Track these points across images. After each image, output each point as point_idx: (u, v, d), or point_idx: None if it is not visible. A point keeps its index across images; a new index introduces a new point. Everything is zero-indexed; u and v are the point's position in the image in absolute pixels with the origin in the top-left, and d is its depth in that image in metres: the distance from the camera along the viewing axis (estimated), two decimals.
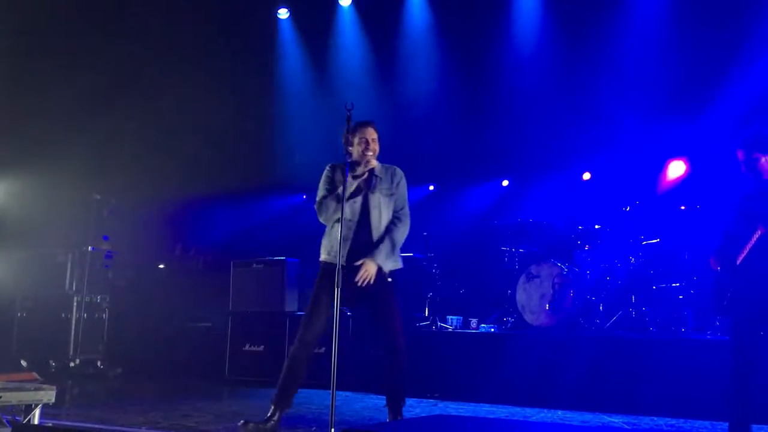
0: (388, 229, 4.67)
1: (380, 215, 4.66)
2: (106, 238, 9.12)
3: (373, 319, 4.75)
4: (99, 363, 8.58)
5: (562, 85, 8.51)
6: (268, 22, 10.26)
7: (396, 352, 4.58)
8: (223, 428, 4.78)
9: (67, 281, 8.71)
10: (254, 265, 8.03)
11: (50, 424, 4.36)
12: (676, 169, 8.03)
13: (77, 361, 8.37)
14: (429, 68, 9.52)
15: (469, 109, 9.05)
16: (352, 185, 4.59)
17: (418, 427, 4.19)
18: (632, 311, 6.96)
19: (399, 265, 4.73)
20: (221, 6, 9.83)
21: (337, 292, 4.12)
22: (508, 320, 7.50)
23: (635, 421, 5.39)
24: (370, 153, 4.68)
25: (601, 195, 8.08)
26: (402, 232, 4.72)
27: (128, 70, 9.84)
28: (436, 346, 6.94)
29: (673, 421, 5.36)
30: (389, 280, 4.64)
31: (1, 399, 3.88)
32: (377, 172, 4.70)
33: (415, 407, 5.83)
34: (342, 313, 5.41)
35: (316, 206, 4.74)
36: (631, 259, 7.16)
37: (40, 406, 4.02)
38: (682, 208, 7.01)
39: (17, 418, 4.06)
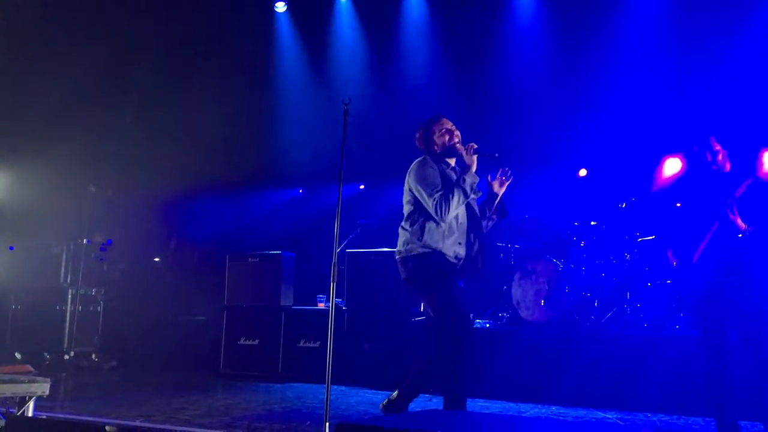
0: None
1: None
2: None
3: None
4: (93, 356, 8.58)
5: (558, 80, 8.50)
6: (265, 16, 10.23)
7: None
8: (217, 421, 4.78)
9: (62, 273, 8.70)
10: (250, 259, 8.00)
11: (44, 417, 4.36)
12: (672, 166, 8.04)
13: (72, 354, 8.37)
14: (426, 63, 9.51)
15: (465, 105, 9.03)
16: (474, 179, 4.71)
17: (413, 422, 4.18)
18: (627, 308, 6.97)
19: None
20: None
21: (332, 287, 4.11)
22: (503, 316, 7.50)
23: (629, 417, 5.41)
24: (457, 140, 4.76)
25: (596, 191, 8.08)
26: None
27: (124, 63, 9.80)
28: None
29: (667, 418, 5.39)
30: None
31: None
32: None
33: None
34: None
35: (436, 202, 4.57)
36: (626, 256, 7.17)
37: (34, 398, 4.00)
38: (678, 205, 7.01)
39: (11, 410, 4.04)
